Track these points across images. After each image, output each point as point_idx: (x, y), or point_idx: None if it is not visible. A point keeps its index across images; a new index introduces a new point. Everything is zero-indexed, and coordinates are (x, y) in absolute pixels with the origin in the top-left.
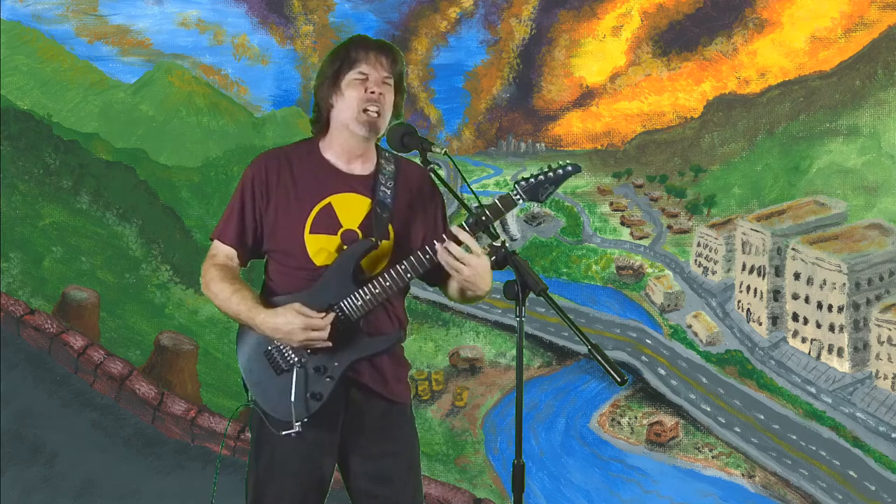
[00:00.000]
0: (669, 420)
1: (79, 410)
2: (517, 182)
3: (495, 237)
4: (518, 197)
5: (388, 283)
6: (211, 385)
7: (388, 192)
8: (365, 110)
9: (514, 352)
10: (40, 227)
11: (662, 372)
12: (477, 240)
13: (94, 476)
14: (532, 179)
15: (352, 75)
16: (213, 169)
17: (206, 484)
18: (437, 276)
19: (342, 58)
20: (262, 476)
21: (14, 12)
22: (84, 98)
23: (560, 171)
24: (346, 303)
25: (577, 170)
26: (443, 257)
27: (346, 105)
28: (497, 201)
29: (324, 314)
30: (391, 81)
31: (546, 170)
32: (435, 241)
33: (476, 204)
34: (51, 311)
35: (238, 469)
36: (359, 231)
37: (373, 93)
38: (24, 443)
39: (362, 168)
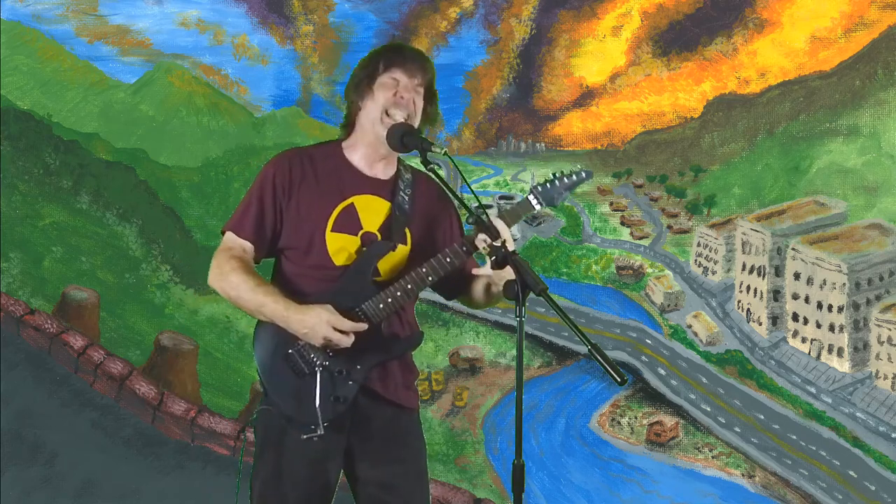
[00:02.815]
0: (669, 420)
1: (79, 410)
2: (534, 188)
3: (495, 237)
4: (537, 202)
5: (409, 286)
6: (211, 385)
7: (407, 197)
8: (389, 113)
9: (514, 352)
10: (40, 227)
11: (662, 372)
12: (477, 234)
13: (94, 476)
14: (548, 185)
15: (383, 79)
16: (213, 169)
17: (206, 484)
18: (455, 285)
19: (375, 62)
20: (266, 480)
21: (14, 12)
22: (84, 98)
23: (574, 177)
24: (367, 306)
25: (589, 176)
26: (481, 245)
27: (374, 106)
28: (516, 207)
29: (357, 322)
30: (421, 90)
31: (561, 175)
32: (463, 239)
33: (476, 204)
34: (51, 311)
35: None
36: (378, 234)
37: (402, 97)
38: (24, 443)
39: (384, 172)
